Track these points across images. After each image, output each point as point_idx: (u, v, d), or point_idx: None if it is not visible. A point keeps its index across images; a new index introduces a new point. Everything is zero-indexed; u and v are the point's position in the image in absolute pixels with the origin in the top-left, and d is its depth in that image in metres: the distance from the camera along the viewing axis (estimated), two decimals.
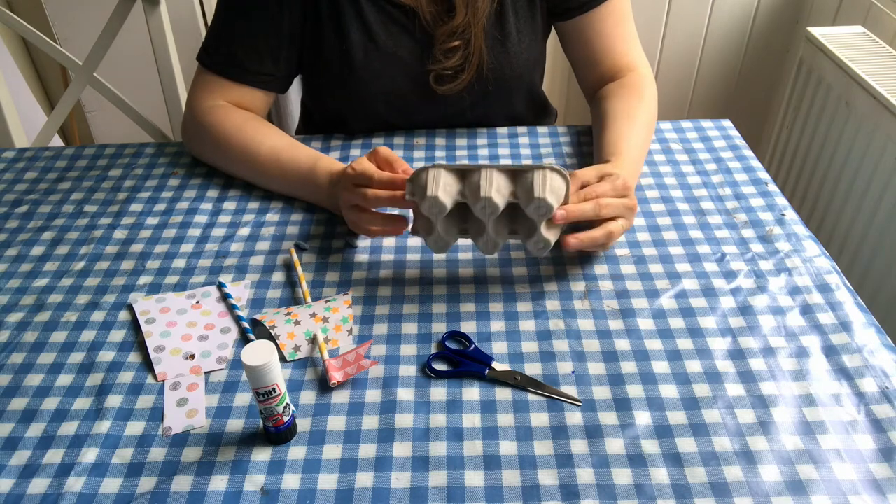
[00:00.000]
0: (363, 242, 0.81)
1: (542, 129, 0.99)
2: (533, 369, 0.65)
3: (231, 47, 0.90)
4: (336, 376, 0.63)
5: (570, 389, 0.63)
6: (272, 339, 0.68)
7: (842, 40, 1.41)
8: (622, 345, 0.67)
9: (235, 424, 0.61)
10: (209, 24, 0.94)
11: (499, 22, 0.91)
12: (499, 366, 0.65)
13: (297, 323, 0.69)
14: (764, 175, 0.89)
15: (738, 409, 0.61)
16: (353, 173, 0.75)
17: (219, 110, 0.90)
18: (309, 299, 0.73)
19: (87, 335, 0.70)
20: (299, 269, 0.76)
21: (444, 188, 0.67)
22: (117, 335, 0.70)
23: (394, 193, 0.72)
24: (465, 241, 0.79)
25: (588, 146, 0.95)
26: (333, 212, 0.84)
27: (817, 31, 1.45)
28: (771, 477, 0.56)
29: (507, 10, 0.91)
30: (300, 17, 0.89)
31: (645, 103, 0.91)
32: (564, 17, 0.95)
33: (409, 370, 0.65)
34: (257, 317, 0.71)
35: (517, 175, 0.68)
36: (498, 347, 0.67)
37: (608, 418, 0.60)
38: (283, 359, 0.67)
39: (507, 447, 0.58)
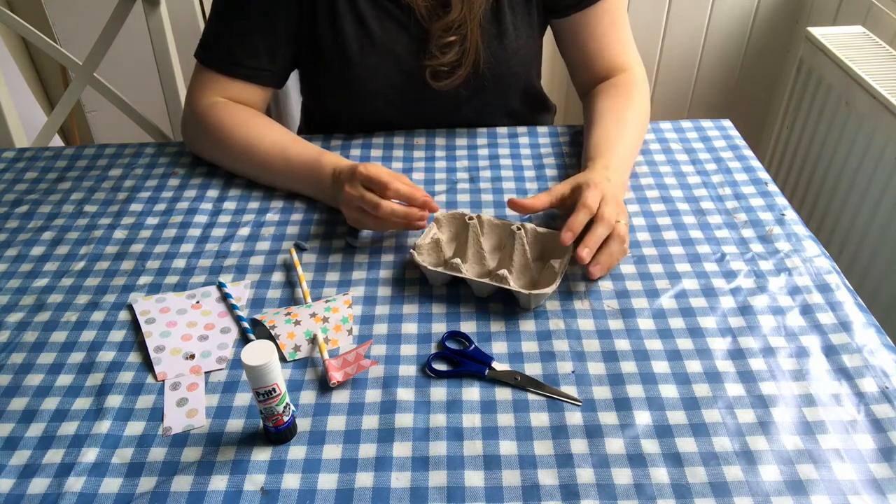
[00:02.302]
0: (363, 242, 0.81)
1: (541, 129, 0.99)
2: (533, 369, 0.65)
3: (228, 44, 0.91)
4: (336, 376, 0.63)
5: (570, 389, 0.63)
6: (272, 339, 0.68)
7: (842, 40, 1.41)
8: (622, 345, 0.67)
9: (235, 424, 0.61)
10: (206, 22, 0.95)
11: (495, 18, 0.91)
12: (499, 366, 0.65)
13: (297, 323, 0.69)
14: (764, 175, 0.89)
15: (738, 409, 0.61)
16: (366, 174, 0.75)
17: (219, 107, 0.91)
18: (309, 299, 0.73)
19: (87, 335, 0.70)
20: (299, 269, 0.76)
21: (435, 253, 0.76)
22: (117, 335, 0.70)
23: (409, 211, 0.74)
24: None
25: None
26: (334, 206, 0.84)
27: (817, 31, 1.45)
28: (771, 477, 0.56)
29: (503, 5, 0.91)
30: (296, 13, 0.90)
31: (633, 103, 0.91)
32: (560, 15, 0.95)
33: (409, 370, 0.65)
34: (257, 317, 0.71)
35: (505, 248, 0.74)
36: (498, 347, 0.67)
37: (608, 418, 0.60)
38: (283, 359, 0.67)
39: (507, 447, 0.58)
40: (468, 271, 0.73)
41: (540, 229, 0.77)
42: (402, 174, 0.78)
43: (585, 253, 0.70)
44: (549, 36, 1.03)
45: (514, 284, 0.70)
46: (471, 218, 0.75)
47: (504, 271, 0.70)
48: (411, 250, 0.74)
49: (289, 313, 0.70)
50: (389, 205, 0.74)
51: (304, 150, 0.86)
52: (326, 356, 0.66)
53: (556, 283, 0.70)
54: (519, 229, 0.73)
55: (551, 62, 1.83)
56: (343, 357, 0.65)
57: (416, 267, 0.76)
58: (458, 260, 0.72)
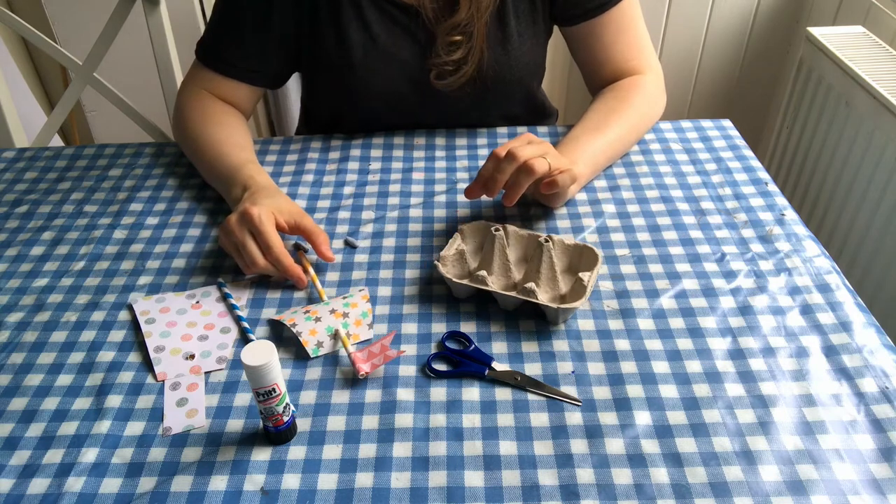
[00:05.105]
0: (363, 243, 0.81)
1: (541, 129, 0.99)
2: (533, 369, 0.65)
3: (222, 42, 0.92)
4: (364, 367, 0.64)
5: (570, 389, 0.63)
6: (293, 337, 0.68)
7: (842, 40, 1.41)
8: (622, 345, 0.67)
9: (235, 424, 0.61)
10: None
11: (500, 23, 0.91)
12: (499, 366, 0.65)
13: (317, 320, 0.69)
14: (764, 175, 0.89)
15: (738, 409, 0.61)
16: (256, 227, 0.72)
17: (198, 100, 0.93)
18: (325, 297, 0.73)
19: (87, 335, 0.70)
20: (311, 269, 0.76)
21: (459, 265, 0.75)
22: (117, 335, 0.70)
23: (284, 274, 0.74)
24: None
25: None
26: None
27: (817, 31, 1.45)
28: (771, 477, 0.56)
29: (507, 12, 0.91)
30: (292, 17, 0.90)
31: (628, 105, 0.91)
32: (567, 24, 0.95)
33: (409, 370, 0.65)
34: (275, 317, 0.71)
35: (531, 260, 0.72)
36: (498, 347, 0.67)
37: (608, 418, 0.60)
38: (306, 356, 0.67)
39: (507, 447, 0.58)
40: (494, 284, 0.71)
41: (568, 241, 0.75)
42: (300, 214, 0.76)
43: (488, 194, 0.75)
44: (549, 40, 1.02)
45: (542, 298, 0.68)
46: (497, 229, 0.73)
47: (531, 284, 0.68)
48: (435, 262, 0.73)
49: (307, 311, 0.70)
50: (263, 267, 0.73)
51: (234, 154, 0.86)
52: (352, 349, 0.66)
53: (584, 297, 0.68)
54: (547, 241, 0.71)
55: (552, 65, 1.82)
56: (368, 349, 0.65)
57: (416, 267, 0.76)
58: (484, 272, 0.70)
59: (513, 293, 0.69)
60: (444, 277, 0.71)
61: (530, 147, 0.74)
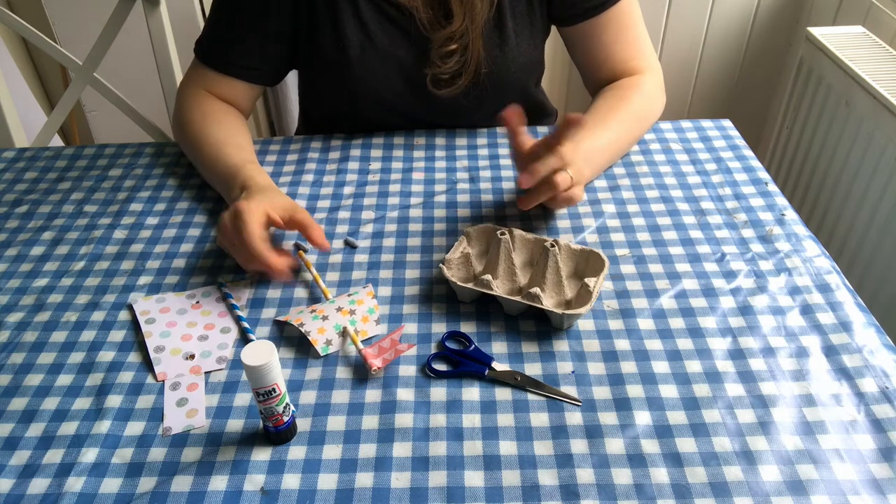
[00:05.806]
0: (363, 243, 0.81)
1: (542, 129, 0.99)
2: (533, 369, 0.65)
3: (221, 40, 0.92)
4: (376, 363, 0.64)
5: (570, 389, 0.63)
6: (293, 337, 0.68)
7: (842, 40, 1.41)
8: (622, 345, 0.67)
9: (235, 424, 0.61)
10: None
11: (497, 26, 0.91)
12: (499, 366, 0.65)
13: (324, 318, 0.69)
14: (764, 175, 0.89)
15: (738, 409, 0.61)
16: (245, 224, 0.71)
17: (198, 98, 0.93)
18: (330, 295, 0.73)
19: (87, 335, 0.70)
20: (312, 269, 0.76)
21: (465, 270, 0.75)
22: (117, 335, 0.70)
23: (272, 272, 0.73)
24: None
25: None
26: None
27: (817, 31, 1.45)
28: (771, 477, 0.56)
29: (505, 13, 0.91)
30: (290, 15, 0.90)
31: (628, 104, 0.91)
32: (565, 24, 0.95)
33: (409, 370, 0.65)
34: (281, 318, 0.71)
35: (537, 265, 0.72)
36: (498, 347, 0.67)
37: (608, 418, 0.60)
38: (306, 355, 0.67)
39: (507, 447, 0.58)
40: (499, 288, 0.71)
41: (574, 246, 0.75)
42: (294, 208, 0.75)
43: (526, 184, 0.74)
44: (549, 39, 1.02)
45: (547, 303, 0.68)
46: (503, 233, 0.72)
47: (537, 289, 0.68)
48: (440, 265, 0.72)
49: (313, 310, 0.70)
50: (256, 269, 0.73)
51: (234, 154, 0.85)
52: (361, 346, 0.66)
53: (590, 303, 0.68)
54: (553, 246, 0.70)
55: (551, 65, 1.82)
56: (378, 345, 0.66)
57: (416, 267, 0.76)
58: (488, 276, 0.70)
59: (518, 298, 0.69)
60: (449, 281, 0.71)
61: (555, 158, 0.74)
